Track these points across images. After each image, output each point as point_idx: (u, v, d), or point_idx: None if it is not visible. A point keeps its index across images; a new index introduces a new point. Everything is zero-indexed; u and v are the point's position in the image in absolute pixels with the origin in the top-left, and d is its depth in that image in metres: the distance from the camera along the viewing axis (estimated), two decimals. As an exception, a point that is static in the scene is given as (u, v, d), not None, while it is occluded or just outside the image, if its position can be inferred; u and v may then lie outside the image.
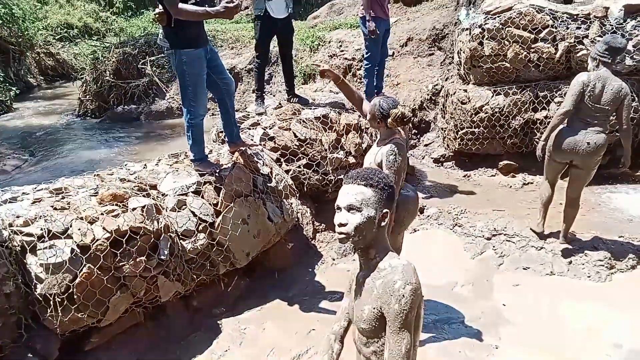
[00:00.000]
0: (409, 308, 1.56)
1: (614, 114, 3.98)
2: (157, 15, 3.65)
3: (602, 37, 5.33)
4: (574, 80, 3.96)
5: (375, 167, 2.00)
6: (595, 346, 3.26)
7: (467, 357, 3.27)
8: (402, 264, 1.64)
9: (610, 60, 3.91)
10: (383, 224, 1.68)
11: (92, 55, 10.60)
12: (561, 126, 4.05)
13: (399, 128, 3.15)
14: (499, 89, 5.91)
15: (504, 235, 4.58)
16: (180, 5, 3.46)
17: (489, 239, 4.59)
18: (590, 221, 4.79)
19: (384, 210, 1.67)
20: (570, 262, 4.16)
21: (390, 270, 1.63)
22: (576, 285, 3.91)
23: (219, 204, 3.94)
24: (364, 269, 1.75)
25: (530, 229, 4.55)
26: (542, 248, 4.34)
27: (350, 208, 1.64)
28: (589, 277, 3.99)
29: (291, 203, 4.58)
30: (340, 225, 1.66)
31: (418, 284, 1.60)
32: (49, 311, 3.06)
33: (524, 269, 4.17)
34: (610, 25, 5.39)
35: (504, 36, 5.66)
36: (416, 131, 7.25)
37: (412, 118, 2.89)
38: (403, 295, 1.56)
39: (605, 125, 3.99)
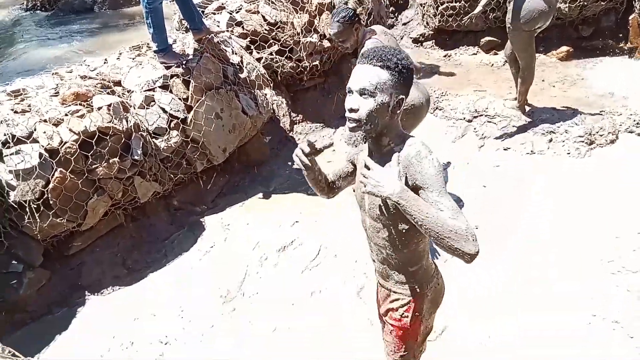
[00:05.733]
0: (441, 173, 1.46)
1: None
2: None
3: None
4: None
5: (395, 47, 1.78)
6: (573, 226, 3.36)
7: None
8: (420, 140, 1.52)
9: None
10: (398, 111, 1.52)
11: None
12: None
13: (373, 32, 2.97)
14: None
15: (485, 116, 4.51)
16: None
17: (470, 121, 4.52)
18: (571, 97, 4.72)
19: (400, 96, 1.50)
20: (551, 140, 4.15)
21: (411, 144, 1.50)
22: (555, 162, 3.94)
23: (189, 98, 3.74)
24: (376, 155, 1.59)
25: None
26: (523, 127, 4.31)
27: (362, 92, 1.47)
28: (568, 154, 4.00)
29: (265, 94, 4.38)
30: (351, 110, 1.48)
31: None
32: (26, 218, 2.99)
33: (504, 149, 4.16)
34: None
35: None
36: (394, 9, 6.84)
37: None
38: (433, 159, 1.45)
39: None
